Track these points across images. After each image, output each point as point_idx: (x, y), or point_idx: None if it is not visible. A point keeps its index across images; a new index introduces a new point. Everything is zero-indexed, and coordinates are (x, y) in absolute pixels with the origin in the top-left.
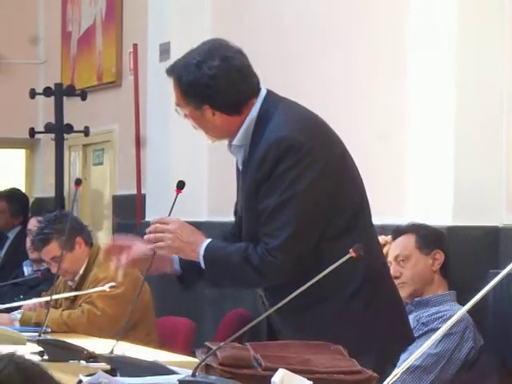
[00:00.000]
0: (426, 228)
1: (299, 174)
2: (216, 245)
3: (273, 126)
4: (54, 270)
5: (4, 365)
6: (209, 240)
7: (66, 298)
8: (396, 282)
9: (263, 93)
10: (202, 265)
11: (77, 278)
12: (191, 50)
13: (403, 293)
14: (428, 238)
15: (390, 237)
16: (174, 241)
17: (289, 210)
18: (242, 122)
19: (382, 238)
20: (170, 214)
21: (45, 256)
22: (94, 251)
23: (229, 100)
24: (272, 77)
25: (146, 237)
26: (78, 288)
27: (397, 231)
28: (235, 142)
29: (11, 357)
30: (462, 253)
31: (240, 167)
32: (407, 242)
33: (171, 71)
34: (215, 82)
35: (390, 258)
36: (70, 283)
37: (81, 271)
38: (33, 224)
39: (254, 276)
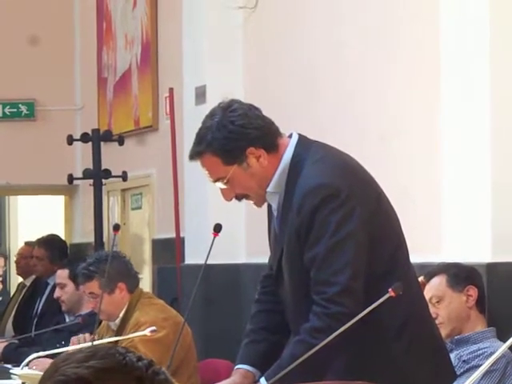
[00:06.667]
0: (457, 266)
1: (344, 216)
2: (271, 369)
3: (307, 173)
4: (89, 304)
5: None
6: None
7: (108, 343)
8: None
9: (295, 138)
10: None
11: (118, 321)
12: (200, 128)
13: (442, 333)
14: (459, 275)
15: (422, 277)
16: None
17: (343, 252)
18: (278, 164)
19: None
20: (207, 257)
21: (84, 290)
22: (136, 296)
23: (264, 131)
24: (302, 116)
25: None
26: (119, 332)
27: (428, 274)
28: (270, 188)
29: None
30: (501, 289)
31: (274, 214)
32: (439, 283)
33: (198, 152)
34: (246, 120)
35: None
36: (112, 326)
37: (121, 315)
38: (61, 276)
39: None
